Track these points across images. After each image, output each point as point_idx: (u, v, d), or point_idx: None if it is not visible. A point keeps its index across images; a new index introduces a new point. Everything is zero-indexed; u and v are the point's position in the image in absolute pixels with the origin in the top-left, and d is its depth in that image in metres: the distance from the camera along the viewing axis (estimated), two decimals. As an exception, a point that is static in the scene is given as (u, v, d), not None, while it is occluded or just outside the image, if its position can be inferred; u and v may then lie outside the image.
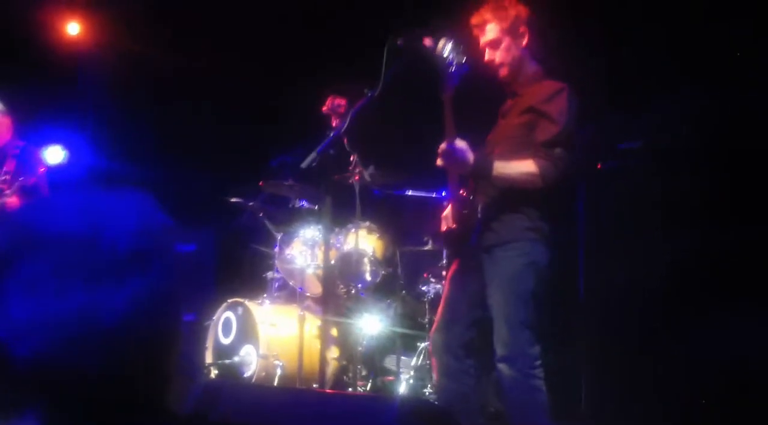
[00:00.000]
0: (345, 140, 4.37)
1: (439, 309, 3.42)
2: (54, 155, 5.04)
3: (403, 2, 5.31)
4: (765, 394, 3.76)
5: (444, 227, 3.41)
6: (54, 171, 5.04)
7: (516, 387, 3.14)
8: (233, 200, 5.50)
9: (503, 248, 3.21)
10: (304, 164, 3.07)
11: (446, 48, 3.13)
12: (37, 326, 0.88)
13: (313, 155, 3.11)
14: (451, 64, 3.11)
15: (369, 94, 3.28)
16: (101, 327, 0.89)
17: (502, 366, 3.15)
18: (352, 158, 4.72)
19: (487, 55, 3.34)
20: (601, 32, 4.75)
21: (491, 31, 3.32)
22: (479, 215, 3.20)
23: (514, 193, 3.20)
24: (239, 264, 6.08)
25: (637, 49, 4.56)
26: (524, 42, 3.33)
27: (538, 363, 3.16)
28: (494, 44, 3.32)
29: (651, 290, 4.11)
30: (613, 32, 4.71)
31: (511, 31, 3.30)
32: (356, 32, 5.90)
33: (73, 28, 6.72)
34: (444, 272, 4.66)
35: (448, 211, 3.41)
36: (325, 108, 4.44)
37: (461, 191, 3.30)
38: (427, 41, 3.35)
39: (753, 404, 3.80)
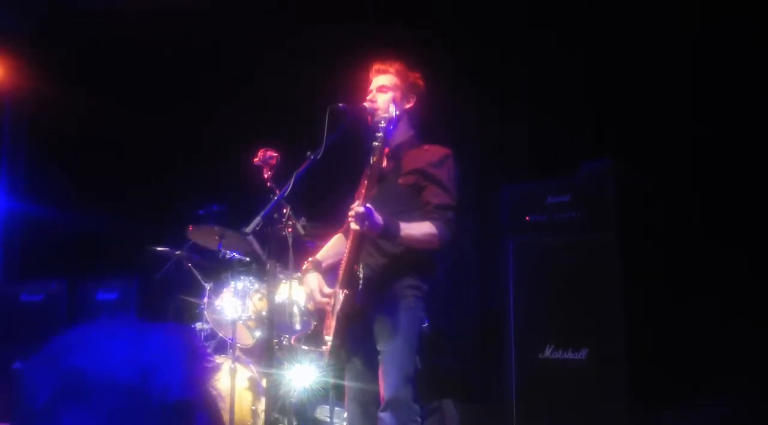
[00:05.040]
0: (277, 191, 4.38)
1: (346, 385, 3.48)
2: None
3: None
4: None
5: (327, 302, 3.39)
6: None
7: None
8: (159, 248, 5.40)
9: (392, 303, 3.29)
10: (248, 229, 3.08)
11: (389, 112, 3.22)
12: None
13: (258, 220, 3.12)
14: (390, 129, 3.20)
15: (312, 158, 3.32)
16: None
17: (385, 416, 3.20)
18: (284, 210, 4.71)
19: (372, 96, 3.52)
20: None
21: (387, 79, 3.53)
22: (361, 275, 3.25)
23: (398, 254, 3.32)
24: (163, 314, 5.96)
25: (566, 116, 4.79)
26: (408, 106, 3.53)
27: (419, 419, 3.24)
28: (384, 89, 3.51)
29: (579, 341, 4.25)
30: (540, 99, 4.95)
31: (404, 91, 3.52)
32: (284, 89, 5.95)
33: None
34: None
35: (319, 282, 3.44)
36: (256, 160, 4.42)
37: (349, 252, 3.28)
38: (367, 104, 3.44)
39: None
